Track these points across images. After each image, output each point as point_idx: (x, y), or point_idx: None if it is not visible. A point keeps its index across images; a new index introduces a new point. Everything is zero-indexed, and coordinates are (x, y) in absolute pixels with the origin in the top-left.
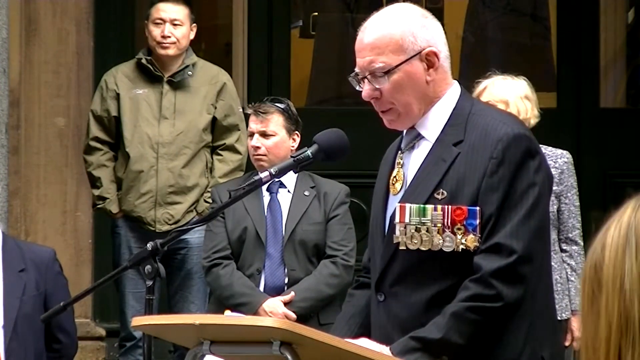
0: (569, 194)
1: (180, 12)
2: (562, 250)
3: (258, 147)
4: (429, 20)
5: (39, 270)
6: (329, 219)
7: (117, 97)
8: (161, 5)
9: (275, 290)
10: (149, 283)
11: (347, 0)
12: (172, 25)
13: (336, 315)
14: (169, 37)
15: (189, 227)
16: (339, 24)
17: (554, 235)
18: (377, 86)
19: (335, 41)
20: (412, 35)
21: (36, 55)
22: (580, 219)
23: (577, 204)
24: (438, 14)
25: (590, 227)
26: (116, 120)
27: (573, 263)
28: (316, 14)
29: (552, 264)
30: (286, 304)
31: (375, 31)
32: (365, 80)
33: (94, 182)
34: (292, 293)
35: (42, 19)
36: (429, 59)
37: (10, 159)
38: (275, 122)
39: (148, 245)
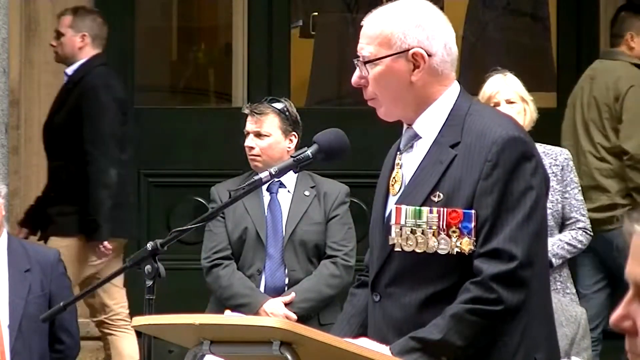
0: (568, 189)
1: None
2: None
3: (252, 147)
4: (430, 21)
5: (44, 270)
6: (329, 219)
7: None
8: None
9: (275, 291)
10: (149, 283)
11: (347, 0)
12: None
13: (336, 316)
14: None
15: (189, 227)
16: (339, 24)
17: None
18: (362, 74)
19: (335, 41)
20: (403, 33)
21: (36, 55)
22: (584, 212)
23: (580, 197)
24: None
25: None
26: None
27: (584, 240)
28: (316, 14)
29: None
30: (287, 304)
31: (373, 21)
32: (357, 66)
33: None
34: (293, 294)
35: (42, 19)
36: (416, 60)
37: (10, 159)
38: (270, 123)
39: (148, 245)
